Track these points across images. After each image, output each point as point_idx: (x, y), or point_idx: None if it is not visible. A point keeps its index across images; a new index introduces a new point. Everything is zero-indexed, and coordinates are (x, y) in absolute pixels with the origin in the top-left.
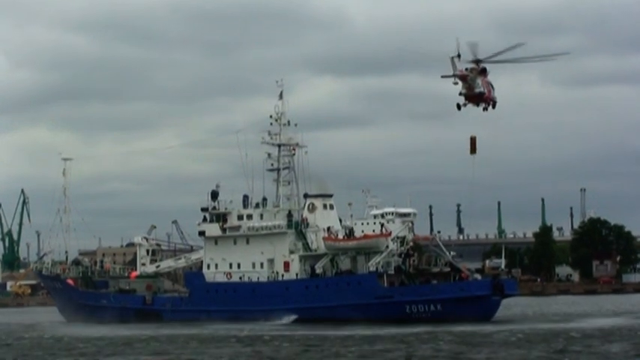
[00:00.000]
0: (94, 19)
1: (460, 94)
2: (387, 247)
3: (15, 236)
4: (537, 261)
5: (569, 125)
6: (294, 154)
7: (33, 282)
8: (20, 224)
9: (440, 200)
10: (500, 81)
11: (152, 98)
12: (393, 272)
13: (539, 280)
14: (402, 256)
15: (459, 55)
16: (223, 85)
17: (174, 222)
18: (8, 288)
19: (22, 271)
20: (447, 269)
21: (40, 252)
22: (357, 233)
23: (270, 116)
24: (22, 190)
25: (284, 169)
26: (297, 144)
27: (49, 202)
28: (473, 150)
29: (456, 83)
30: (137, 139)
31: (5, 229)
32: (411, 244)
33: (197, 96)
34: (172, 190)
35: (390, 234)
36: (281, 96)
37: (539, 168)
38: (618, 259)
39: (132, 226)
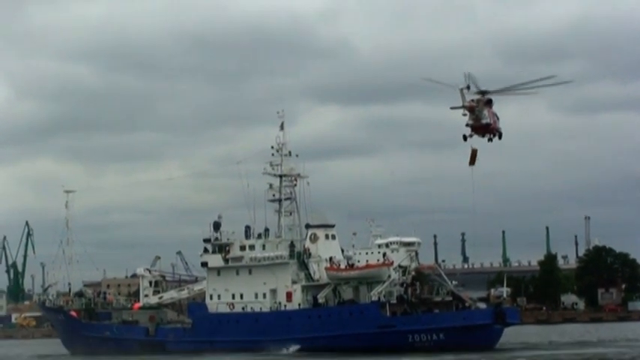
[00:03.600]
0: (97, 49)
1: (467, 125)
2: (389, 276)
3: (20, 268)
4: (542, 289)
5: (574, 152)
6: (295, 185)
7: (38, 314)
8: (25, 256)
9: (445, 229)
10: (507, 108)
11: (156, 129)
12: (395, 301)
13: (544, 308)
14: (404, 285)
15: (468, 87)
16: (228, 115)
17: (179, 253)
18: (13, 320)
19: (26, 302)
20: (449, 298)
21: (44, 284)
22: (362, 262)
23: (272, 147)
24: (27, 223)
25: (286, 199)
26: (298, 174)
27: (53, 233)
28: (472, 161)
29: (465, 114)
30: (141, 169)
31: (10, 261)
32: (413, 273)
33: (201, 126)
34: (177, 220)
35: (391, 263)
36: (282, 127)
37: (544, 196)
38: (624, 286)
39: (137, 257)
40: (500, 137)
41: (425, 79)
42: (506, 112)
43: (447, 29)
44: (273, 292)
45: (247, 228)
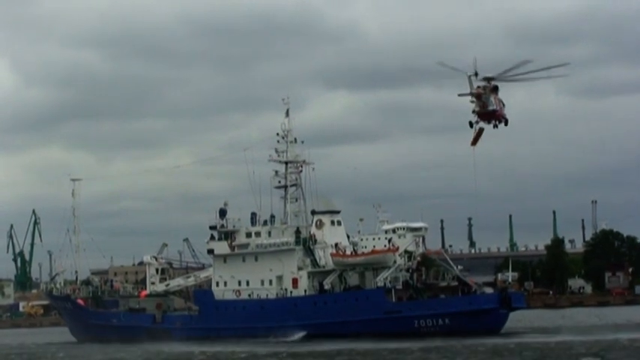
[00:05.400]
0: (105, 35)
1: (473, 111)
2: (395, 262)
3: (27, 256)
4: (550, 274)
5: (582, 136)
6: (301, 172)
7: (45, 302)
8: (32, 244)
9: (451, 214)
10: (515, 92)
11: (165, 115)
12: (401, 287)
13: (551, 292)
14: (410, 270)
15: (476, 74)
16: (236, 102)
17: (186, 240)
18: (21, 308)
19: (34, 291)
20: (455, 283)
21: (51, 272)
22: (369, 248)
23: (277, 134)
24: (34, 211)
25: (291, 186)
26: (303, 161)
27: (60, 222)
28: (475, 142)
29: (472, 101)
30: (150, 156)
31: (17, 250)
32: (419, 258)
33: (210, 112)
34: (184, 207)
35: (397, 249)
36: (287, 113)
37: (551, 180)
38: (631, 270)
39: (144, 244)
40: (506, 124)
41: (439, 64)
42: (514, 95)
43: (457, 12)
44: (279, 278)
45: (253, 215)
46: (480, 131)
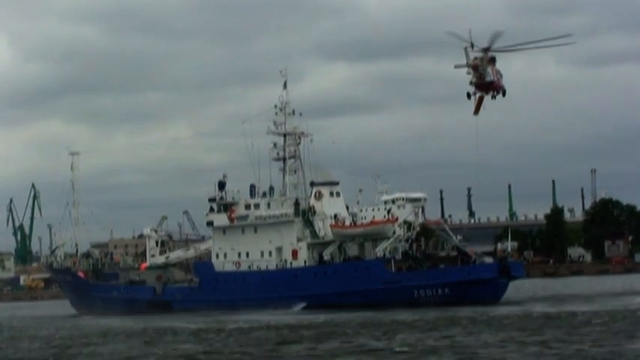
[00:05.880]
0: (105, 10)
1: (470, 83)
2: (394, 232)
3: (27, 230)
4: (549, 243)
5: (581, 105)
6: (299, 143)
7: (46, 275)
8: (32, 218)
9: (451, 184)
10: (515, 62)
11: (164, 89)
12: (400, 257)
13: (551, 261)
14: (409, 241)
15: (472, 45)
16: (236, 75)
17: (186, 212)
18: (22, 282)
19: (34, 264)
20: (454, 253)
21: (52, 245)
22: (369, 219)
23: (275, 106)
24: (33, 185)
25: (290, 158)
26: (302, 133)
27: (60, 195)
28: (477, 110)
29: (469, 73)
30: (149, 130)
31: (17, 223)
32: (418, 229)
33: (209, 86)
34: (184, 180)
35: (396, 220)
36: (285, 85)
37: (550, 149)
38: (630, 238)
39: (144, 217)
40: (504, 94)
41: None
42: (513, 65)
43: None
44: (279, 250)
45: (252, 187)
46: (481, 99)
